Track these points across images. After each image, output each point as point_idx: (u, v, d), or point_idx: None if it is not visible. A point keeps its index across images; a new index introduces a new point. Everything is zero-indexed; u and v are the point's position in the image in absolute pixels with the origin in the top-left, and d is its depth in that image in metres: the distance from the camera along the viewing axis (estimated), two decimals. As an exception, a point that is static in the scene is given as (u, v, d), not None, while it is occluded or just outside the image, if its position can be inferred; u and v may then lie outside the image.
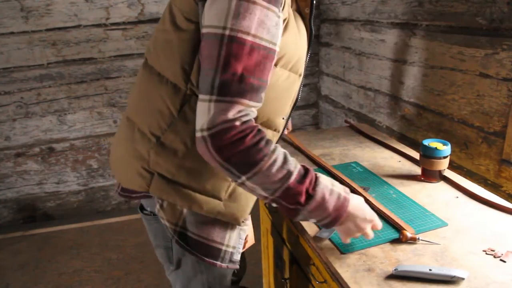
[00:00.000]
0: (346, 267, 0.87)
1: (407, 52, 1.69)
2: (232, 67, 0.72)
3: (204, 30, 0.77)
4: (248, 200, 0.98)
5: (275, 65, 0.86)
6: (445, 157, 1.21)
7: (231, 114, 0.73)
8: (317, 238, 0.98)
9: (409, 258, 0.89)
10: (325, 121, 2.83)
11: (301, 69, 0.95)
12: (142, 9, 2.53)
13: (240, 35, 0.72)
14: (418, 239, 0.94)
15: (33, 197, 2.73)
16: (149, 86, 0.91)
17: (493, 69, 1.25)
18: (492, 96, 1.26)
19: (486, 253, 0.89)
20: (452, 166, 1.41)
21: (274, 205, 0.83)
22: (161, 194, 0.91)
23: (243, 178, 0.77)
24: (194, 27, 0.82)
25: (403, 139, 1.79)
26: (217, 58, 0.73)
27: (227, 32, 0.72)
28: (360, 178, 1.27)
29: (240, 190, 0.95)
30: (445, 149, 1.20)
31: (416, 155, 1.38)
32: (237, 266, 1.01)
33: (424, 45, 1.57)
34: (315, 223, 0.90)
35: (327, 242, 0.96)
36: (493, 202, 1.09)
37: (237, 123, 0.73)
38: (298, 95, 0.99)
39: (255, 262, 2.10)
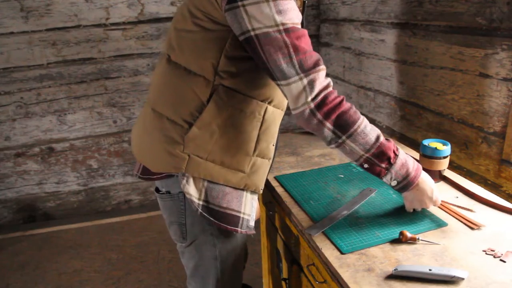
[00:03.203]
0: (346, 267, 0.87)
1: (407, 52, 1.69)
2: (300, 49, 0.88)
3: (254, 32, 0.87)
4: (265, 171, 1.12)
5: None
6: (445, 157, 1.21)
7: (323, 80, 0.90)
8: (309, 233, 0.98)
9: (409, 258, 0.89)
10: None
11: None
12: (142, 9, 2.53)
13: (291, 25, 0.87)
14: (418, 239, 0.94)
15: (33, 197, 2.73)
16: (176, 79, 1.01)
17: (493, 69, 1.25)
18: (492, 96, 1.26)
19: (486, 253, 0.89)
20: (452, 166, 1.41)
21: (365, 166, 0.96)
22: (197, 172, 1.02)
23: (344, 137, 0.92)
24: (220, 28, 0.93)
25: (403, 139, 1.79)
26: (285, 47, 0.87)
27: (281, 27, 0.87)
28: (360, 178, 1.27)
29: (258, 162, 1.08)
30: (445, 149, 1.20)
31: (416, 155, 1.38)
32: (254, 231, 1.11)
33: (424, 45, 1.57)
34: (395, 187, 1.00)
35: (327, 242, 0.96)
36: (493, 202, 1.09)
37: (331, 88, 0.91)
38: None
39: (255, 262, 2.10)
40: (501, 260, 0.87)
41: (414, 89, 1.67)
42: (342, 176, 1.29)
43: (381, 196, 1.16)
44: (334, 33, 2.46)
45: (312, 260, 1.06)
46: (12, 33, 2.40)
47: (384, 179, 0.98)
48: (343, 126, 0.91)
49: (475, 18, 1.30)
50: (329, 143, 0.95)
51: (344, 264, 0.88)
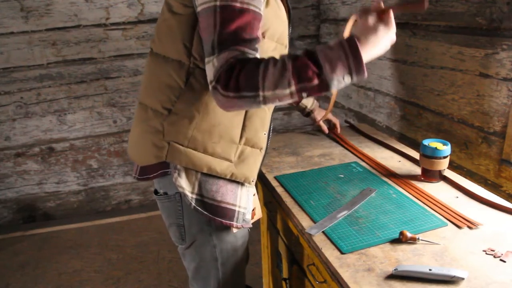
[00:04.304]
0: (346, 267, 0.87)
1: (407, 52, 1.69)
2: (227, 28, 0.82)
3: (199, 8, 0.87)
4: (255, 162, 1.08)
5: (263, 36, 0.97)
6: (445, 157, 1.21)
7: (229, 57, 0.81)
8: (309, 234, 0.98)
9: (409, 258, 0.89)
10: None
11: (286, 41, 1.07)
12: (142, 9, 2.53)
13: (229, 2, 0.82)
14: (418, 239, 0.94)
15: (33, 197, 2.73)
16: (156, 68, 1.02)
17: (493, 69, 1.25)
18: (492, 96, 1.26)
19: (486, 253, 0.89)
20: (452, 166, 1.41)
21: (304, 95, 0.83)
22: (178, 160, 0.99)
23: (260, 92, 0.81)
24: (190, 11, 0.93)
25: (403, 139, 1.79)
26: (213, 25, 0.83)
27: (218, 3, 0.83)
28: (360, 178, 1.27)
29: (247, 152, 1.05)
30: (445, 149, 1.20)
31: (416, 155, 1.38)
32: (250, 225, 1.10)
33: (424, 45, 1.57)
34: (353, 79, 0.83)
35: (327, 242, 0.96)
36: (493, 202, 1.09)
37: (233, 60, 0.81)
38: None
39: (255, 262, 2.10)
40: (501, 260, 0.87)
41: (414, 89, 1.67)
42: (342, 176, 1.29)
43: (381, 196, 1.16)
44: (334, 33, 2.46)
45: (312, 260, 1.06)
46: (12, 33, 2.40)
47: (334, 88, 0.83)
48: (249, 85, 0.80)
49: (475, 18, 1.30)
50: (258, 106, 0.84)
51: (344, 264, 0.88)
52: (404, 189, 1.19)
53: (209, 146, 1.00)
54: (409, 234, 0.94)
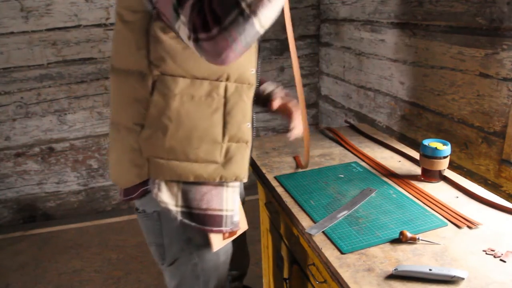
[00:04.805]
0: (346, 267, 0.87)
1: (407, 52, 1.69)
2: None
3: None
4: (243, 157, 1.02)
5: None
6: (445, 157, 1.21)
7: (191, 3, 0.72)
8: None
9: (409, 258, 0.89)
10: (325, 121, 2.83)
11: None
12: (142, 9, 2.53)
13: None
14: (418, 239, 0.94)
15: (33, 197, 2.73)
16: (120, 84, 0.96)
17: (493, 69, 1.25)
18: (492, 96, 1.26)
19: (486, 253, 0.89)
20: (452, 166, 1.41)
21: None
22: (162, 175, 0.94)
23: (242, 3, 0.69)
24: (140, 15, 0.88)
25: (403, 139, 1.79)
26: None
27: None
28: (360, 178, 1.27)
29: (233, 148, 0.98)
30: (445, 149, 1.20)
31: (416, 155, 1.38)
32: (239, 227, 1.05)
33: (424, 45, 1.57)
34: None
35: (327, 242, 0.96)
36: (493, 202, 1.09)
37: (195, 1, 0.72)
38: (259, 44, 1.01)
39: (255, 262, 2.10)
40: (501, 260, 0.87)
41: (414, 89, 1.67)
42: (342, 176, 1.29)
43: (381, 196, 1.16)
44: (334, 33, 2.46)
45: (312, 260, 1.06)
46: (12, 33, 2.40)
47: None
48: (226, 8, 0.69)
49: (475, 18, 1.30)
50: (253, 27, 0.71)
51: (344, 264, 0.88)
52: (404, 189, 1.19)
53: (191, 153, 0.94)
54: (409, 234, 0.94)
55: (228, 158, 0.98)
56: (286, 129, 1.25)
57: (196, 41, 0.72)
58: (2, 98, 2.50)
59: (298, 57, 2.71)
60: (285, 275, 1.37)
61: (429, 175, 1.23)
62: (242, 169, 1.02)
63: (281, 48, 2.76)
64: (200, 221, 0.98)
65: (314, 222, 1.05)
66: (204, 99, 0.92)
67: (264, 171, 1.35)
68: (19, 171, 2.66)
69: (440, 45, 1.48)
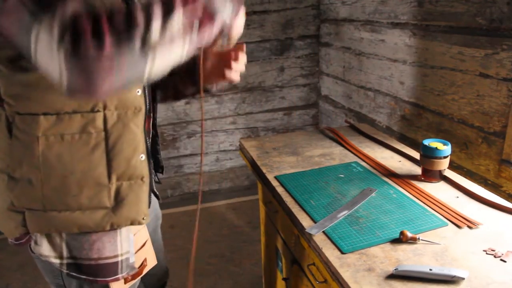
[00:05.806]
0: (346, 267, 0.87)
1: (407, 52, 1.69)
2: None
3: None
4: (139, 196, 0.87)
5: None
6: (445, 157, 1.21)
7: (68, 14, 0.58)
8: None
9: (409, 258, 0.89)
10: (325, 121, 2.83)
11: None
12: (142, 9, 2.53)
13: None
14: (418, 239, 0.94)
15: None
16: None
17: (493, 69, 1.25)
18: (492, 96, 1.26)
19: (487, 253, 0.90)
20: (452, 166, 1.41)
21: (195, 29, 0.63)
22: (39, 228, 0.83)
23: (147, 50, 0.58)
24: None
25: (403, 139, 1.79)
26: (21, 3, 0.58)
27: None
28: (360, 178, 1.27)
29: (125, 188, 0.85)
30: (445, 149, 1.20)
31: (416, 155, 1.38)
32: (137, 269, 0.93)
33: (424, 45, 1.57)
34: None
35: (327, 241, 0.96)
36: (493, 202, 1.09)
37: (76, 12, 0.57)
38: None
39: (255, 262, 2.10)
40: (501, 260, 0.87)
41: (414, 89, 1.68)
42: (343, 176, 1.29)
43: (381, 196, 1.16)
44: (334, 33, 2.46)
45: (313, 260, 1.06)
46: (12, 33, 2.39)
47: (221, 17, 0.66)
48: (124, 30, 0.57)
49: (475, 18, 1.30)
50: (145, 58, 0.59)
51: (344, 264, 0.88)
52: (404, 189, 1.19)
53: (71, 201, 0.80)
54: (409, 234, 0.94)
55: (119, 201, 0.84)
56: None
57: (74, 51, 0.55)
58: (2, 98, 2.49)
59: (299, 57, 2.72)
60: (285, 275, 1.37)
61: (429, 175, 1.23)
62: (138, 211, 0.87)
63: (281, 48, 2.76)
64: (92, 273, 0.86)
65: (314, 222, 1.05)
66: (78, 137, 0.78)
67: (264, 171, 1.35)
68: None
69: (440, 45, 1.48)
